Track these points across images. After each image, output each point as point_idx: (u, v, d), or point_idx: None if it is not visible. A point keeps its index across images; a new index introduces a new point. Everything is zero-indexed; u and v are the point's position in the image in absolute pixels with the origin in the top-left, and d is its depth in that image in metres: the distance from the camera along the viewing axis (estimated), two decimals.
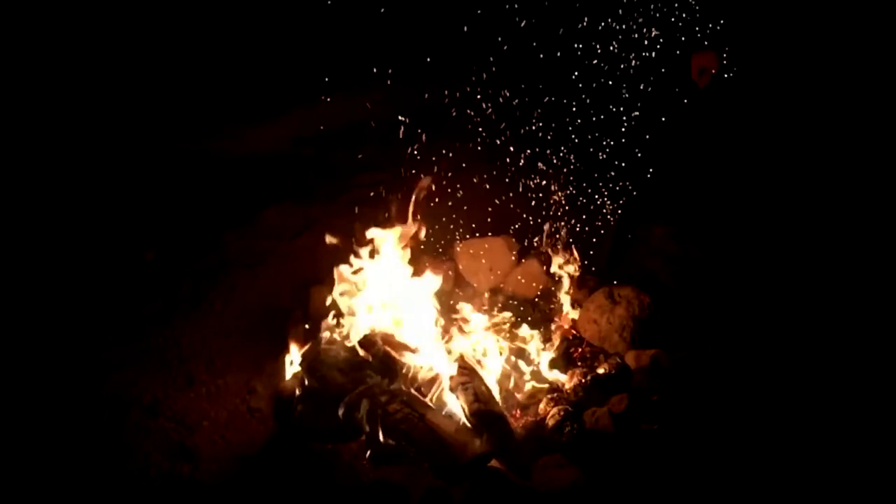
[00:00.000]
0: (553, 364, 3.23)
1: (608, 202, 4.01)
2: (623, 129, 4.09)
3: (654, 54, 4.00)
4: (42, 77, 4.34)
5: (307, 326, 3.25)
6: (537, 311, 3.63)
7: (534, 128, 4.20)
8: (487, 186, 4.06)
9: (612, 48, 4.05)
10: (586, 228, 3.93)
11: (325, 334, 3.13)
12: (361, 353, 2.99)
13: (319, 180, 4.35)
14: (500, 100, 4.22)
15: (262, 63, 4.85)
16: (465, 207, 4.00)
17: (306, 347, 3.10)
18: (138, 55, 4.61)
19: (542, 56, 4.16)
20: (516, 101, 4.23)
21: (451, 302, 3.50)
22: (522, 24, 4.09)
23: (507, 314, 3.50)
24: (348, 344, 3.05)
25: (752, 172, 3.75)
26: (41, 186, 3.98)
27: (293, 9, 4.85)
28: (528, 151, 4.14)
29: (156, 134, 4.48)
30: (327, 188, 4.27)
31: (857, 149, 3.61)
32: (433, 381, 2.94)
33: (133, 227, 3.96)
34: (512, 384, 3.11)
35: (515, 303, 3.68)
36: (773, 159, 3.73)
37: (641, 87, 4.06)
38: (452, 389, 2.87)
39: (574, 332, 3.44)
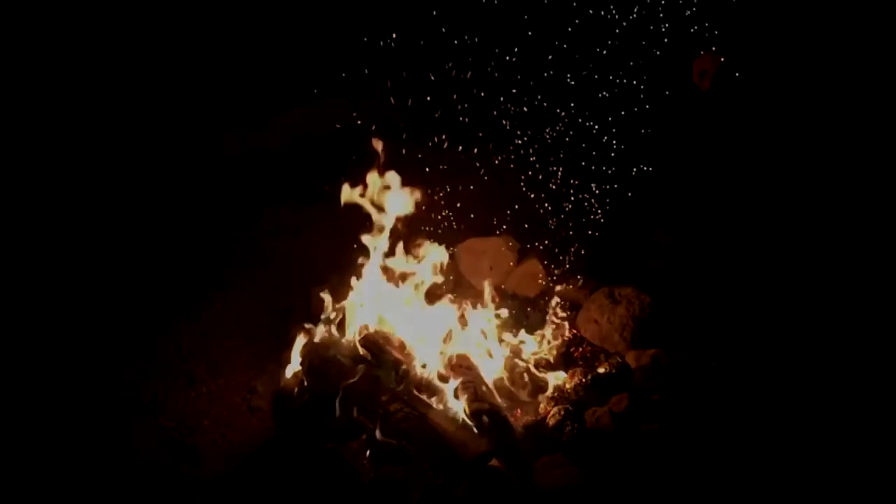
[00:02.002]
0: (553, 363, 3.24)
1: (601, 201, 4.01)
2: (622, 126, 4.10)
3: (654, 52, 4.01)
4: (45, 76, 4.35)
5: (307, 326, 3.24)
6: (538, 310, 3.63)
7: (534, 123, 4.20)
8: (487, 185, 4.07)
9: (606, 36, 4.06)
10: (584, 223, 3.94)
11: (326, 333, 3.13)
12: (362, 351, 2.99)
13: (319, 180, 4.35)
14: (501, 97, 4.22)
15: (264, 62, 4.85)
16: (465, 207, 4.00)
17: (307, 346, 3.10)
18: (140, 54, 4.62)
19: (541, 56, 4.17)
20: (517, 99, 4.24)
21: (452, 301, 3.49)
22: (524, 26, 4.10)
23: (507, 313, 3.50)
24: (349, 343, 3.05)
25: (753, 173, 3.76)
26: (42, 186, 3.98)
27: (295, 8, 4.86)
28: (530, 150, 4.15)
29: (156, 134, 4.48)
30: (327, 188, 4.27)
31: (857, 149, 3.61)
32: (434, 379, 2.94)
33: (133, 226, 3.96)
34: (512, 383, 3.11)
35: (516, 302, 3.68)
36: (775, 160, 3.73)
37: (642, 88, 4.06)
38: (453, 388, 2.87)
39: (574, 331, 3.44)
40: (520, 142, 4.20)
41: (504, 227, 3.99)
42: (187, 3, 4.81)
